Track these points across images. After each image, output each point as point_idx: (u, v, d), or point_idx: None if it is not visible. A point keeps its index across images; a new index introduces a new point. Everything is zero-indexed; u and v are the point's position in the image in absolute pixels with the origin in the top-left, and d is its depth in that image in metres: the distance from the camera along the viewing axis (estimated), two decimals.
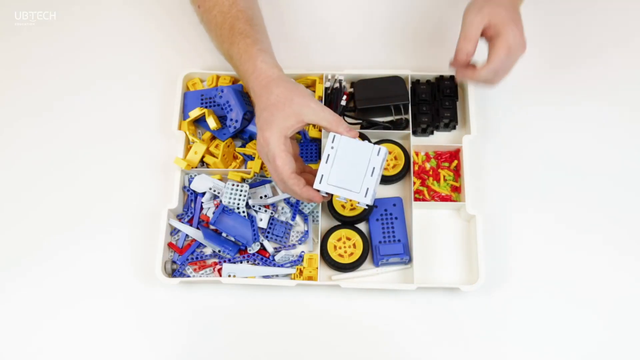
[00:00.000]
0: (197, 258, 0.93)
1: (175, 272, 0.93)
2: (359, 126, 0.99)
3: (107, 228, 0.96)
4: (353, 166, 0.80)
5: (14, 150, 1.02)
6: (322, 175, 0.81)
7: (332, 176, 0.81)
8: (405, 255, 0.91)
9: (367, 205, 0.82)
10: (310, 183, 0.82)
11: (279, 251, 0.93)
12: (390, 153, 0.96)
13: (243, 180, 0.95)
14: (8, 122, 1.04)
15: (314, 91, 1.00)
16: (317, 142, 0.97)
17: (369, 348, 0.90)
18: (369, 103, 0.96)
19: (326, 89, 0.99)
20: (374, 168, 0.80)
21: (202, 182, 0.95)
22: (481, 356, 0.89)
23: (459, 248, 0.93)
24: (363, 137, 0.95)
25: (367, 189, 0.80)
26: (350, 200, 0.92)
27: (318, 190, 0.81)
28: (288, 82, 0.84)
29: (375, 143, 0.96)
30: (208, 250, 0.94)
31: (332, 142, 0.81)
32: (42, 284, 0.94)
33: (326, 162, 0.81)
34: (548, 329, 0.90)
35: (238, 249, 0.93)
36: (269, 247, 0.93)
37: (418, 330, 0.90)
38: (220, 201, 0.93)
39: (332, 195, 0.82)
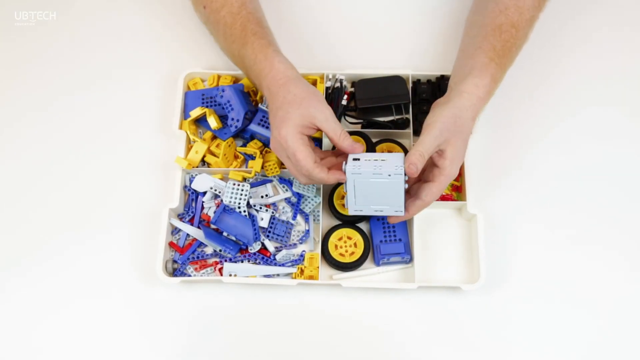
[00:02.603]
0: (198, 257, 0.93)
1: (176, 271, 0.93)
2: (359, 126, 0.99)
3: (108, 227, 0.96)
4: (378, 194, 0.81)
5: (15, 150, 1.01)
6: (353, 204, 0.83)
7: (359, 202, 0.82)
8: (406, 255, 0.91)
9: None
10: (331, 166, 0.84)
11: (280, 250, 0.93)
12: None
13: (244, 179, 0.95)
14: (8, 122, 1.03)
15: None
16: (317, 142, 0.97)
17: (369, 347, 0.90)
18: (369, 102, 0.96)
19: (327, 88, 0.99)
20: (398, 189, 0.80)
21: (203, 182, 0.95)
22: (482, 355, 0.89)
23: (460, 247, 0.94)
24: (364, 137, 0.96)
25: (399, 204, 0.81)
26: None
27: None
28: (306, 84, 0.84)
29: (376, 142, 0.96)
30: (209, 250, 0.94)
31: (349, 180, 0.81)
32: (43, 283, 0.93)
33: (353, 195, 0.82)
34: (548, 328, 0.90)
35: (239, 248, 0.93)
36: (270, 246, 0.93)
37: (419, 329, 0.90)
38: (221, 200, 0.93)
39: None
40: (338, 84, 0.98)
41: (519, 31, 0.88)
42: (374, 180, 0.80)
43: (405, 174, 0.79)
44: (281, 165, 0.95)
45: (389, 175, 0.79)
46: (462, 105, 0.82)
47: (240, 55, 0.90)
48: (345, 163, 0.81)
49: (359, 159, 0.82)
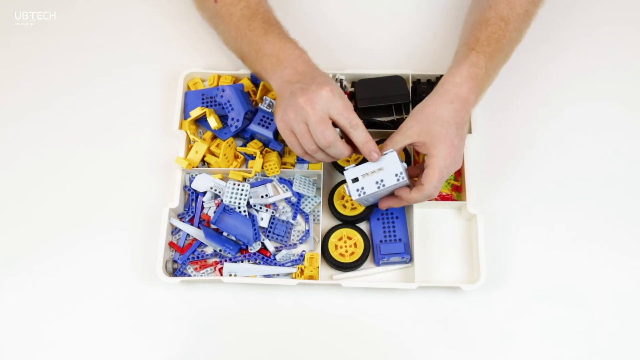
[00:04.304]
0: (198, 257, 0.93)
1: (176, 271, 0.93)
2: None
3: (108, 227, 0.96)
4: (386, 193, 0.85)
5: (15, 150, 1.01)
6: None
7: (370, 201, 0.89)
8: (406, 255, 0.91)
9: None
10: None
11: (280, 250, 0.93)
12: None
13: (244, 179, 0.95)
14: (8, 122, 1.03)
15: None
16: None
17: (369, 347, 0.90)
18: (369, 102, 0.97)
19: None
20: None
21: (203, 182, 0.95)
22: (482, 355, 0.89)
23: (460, 247, 0.94)
24: None
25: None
26: (352, 200, 0.92)
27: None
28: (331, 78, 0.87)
29: (375, 143, 0.96)
30: (209, 250, 0.94)
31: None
32: (43, 283, 0.93)
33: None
34: (548, 328, 0.90)
35: (239, 248, 0.93)
36: (270, 246, 0.93)
37: (419, 329, 0.90)
38: (221, 200, 0.93)
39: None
40: (338, 84, 0.98)
41: (509, 24, 0.88)
42: (380, 191, 0.83)
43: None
44: (281, 165, 0.95)
45: (393, 184, 0.82)
46: (432, 94, 0.84)
47: (259, 43, 0.89)
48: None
49: (357, 179, 0.83)
